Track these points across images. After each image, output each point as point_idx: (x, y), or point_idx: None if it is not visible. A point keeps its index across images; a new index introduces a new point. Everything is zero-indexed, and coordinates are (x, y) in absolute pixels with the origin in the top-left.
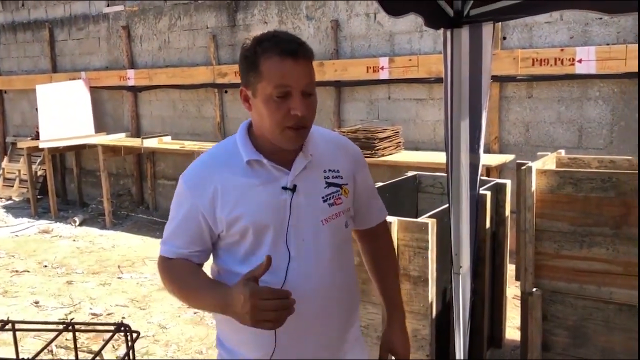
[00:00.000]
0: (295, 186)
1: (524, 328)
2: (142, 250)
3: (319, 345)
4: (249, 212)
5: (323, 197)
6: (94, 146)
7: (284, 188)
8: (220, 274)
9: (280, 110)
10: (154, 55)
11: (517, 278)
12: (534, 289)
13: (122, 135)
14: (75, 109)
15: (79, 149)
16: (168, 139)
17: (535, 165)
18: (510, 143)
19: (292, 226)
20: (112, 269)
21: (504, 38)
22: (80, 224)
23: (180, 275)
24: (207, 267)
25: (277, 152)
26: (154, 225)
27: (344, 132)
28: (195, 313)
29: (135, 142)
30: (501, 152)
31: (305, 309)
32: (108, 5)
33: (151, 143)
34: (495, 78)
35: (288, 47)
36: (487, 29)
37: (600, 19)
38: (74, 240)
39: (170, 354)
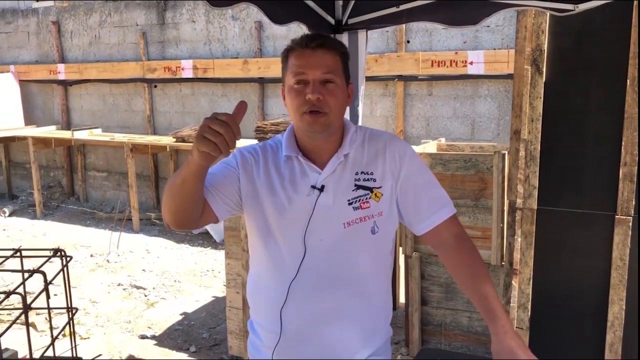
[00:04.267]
0: (323, 186)
1: (406, 286)
2: (73, 238)
3: (325, 344)
4: (272, 204)
5: (349, 200)
6: (23, 138)
7: (313, 187)
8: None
9: (299, 97)
10: (85, 50)
11: (400, 245)
12: (414, 253)
13: (53, 127)
14: (4, 102)
15: (7, 142)
16: (99, 131)
17: (415, 150)
18: (414, 135)
19: (312, 225)
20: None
21: (408, 41)
22: (10, 215)
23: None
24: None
25: (315, 151)
26: (85, 215)
27: (266, 124)
28: (124, 289)
29: (65, 134)
30: None
31: (313, 307)
32: (38, 1)
33: (82, 135)
34: (400, 77)
35: (307, 41)
36: (361, 35)
37: (488, 26)
38: (4, 230)
39: (101, 324)
